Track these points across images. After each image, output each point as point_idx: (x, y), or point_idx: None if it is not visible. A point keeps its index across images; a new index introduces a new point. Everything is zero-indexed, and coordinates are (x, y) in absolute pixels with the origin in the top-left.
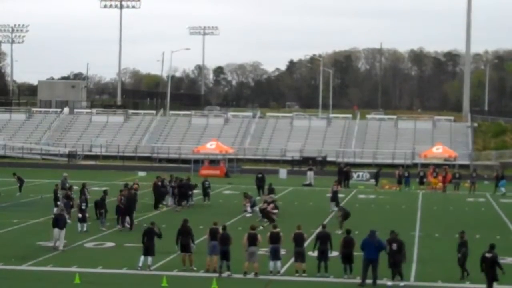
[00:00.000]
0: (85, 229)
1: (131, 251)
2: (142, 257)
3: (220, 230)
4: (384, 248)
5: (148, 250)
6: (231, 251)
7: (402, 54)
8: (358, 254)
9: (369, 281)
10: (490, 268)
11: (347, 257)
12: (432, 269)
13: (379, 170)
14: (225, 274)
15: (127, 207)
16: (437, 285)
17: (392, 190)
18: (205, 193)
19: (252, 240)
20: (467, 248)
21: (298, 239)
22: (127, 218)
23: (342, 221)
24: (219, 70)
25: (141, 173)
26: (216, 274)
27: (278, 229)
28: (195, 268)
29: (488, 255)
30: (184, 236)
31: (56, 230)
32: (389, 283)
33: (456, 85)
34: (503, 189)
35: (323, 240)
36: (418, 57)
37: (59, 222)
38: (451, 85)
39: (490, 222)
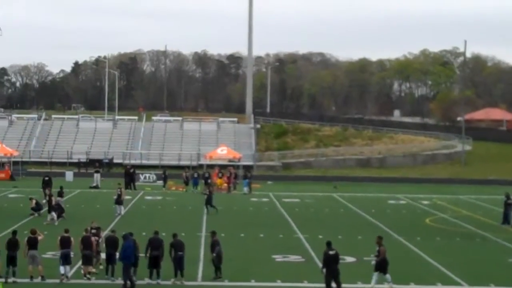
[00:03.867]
0: None
1: None
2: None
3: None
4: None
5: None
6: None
7: (186, 57)
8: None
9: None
10: None
11: (108, 258)
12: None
13: (165, 171)
14: (11, 280)
15: None
16: (225, 284)
17: (179, 191)
18: None
19: (33, 244)
20: (221, 246)
21: (87, 243)
22: None
23: None
24: (2, 72)
25: None
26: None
27: (69, 234)
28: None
29: None
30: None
31: None
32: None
33: (239, 87)
34: (245, 189)
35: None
36: (201, 59)
37: None
38: (234, 87)
39: (273, 221)
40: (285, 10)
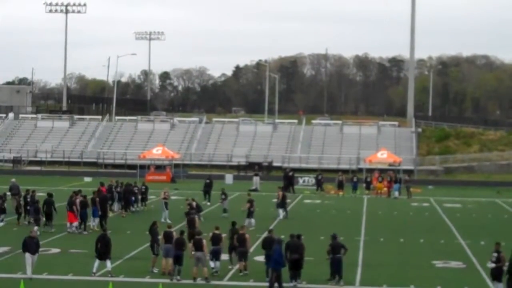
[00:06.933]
0: None
1: (76, 257)
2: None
3: (175, 234)
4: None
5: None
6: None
7: (347, 60)
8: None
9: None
10: None
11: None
12: (377, 273)
13: (319, 175)
14: (175, 279)
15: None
16: None
17: (337, 195)
18: (142, 198)
19: (198, 246)
20: (344, 251)
21: (241, 240)
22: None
23: None
24: (165, 75)
25: (87, 179)
26: (164, 280)
27: (219, 231)
28: (155, 271)
29: None
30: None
31: (27, 255)
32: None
33: (400, 90)
34: (396, 193)
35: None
36: (363, 62)
37: (28, 246)
38: (395, 91)
39: (434, 227)
40: (449, 12)
